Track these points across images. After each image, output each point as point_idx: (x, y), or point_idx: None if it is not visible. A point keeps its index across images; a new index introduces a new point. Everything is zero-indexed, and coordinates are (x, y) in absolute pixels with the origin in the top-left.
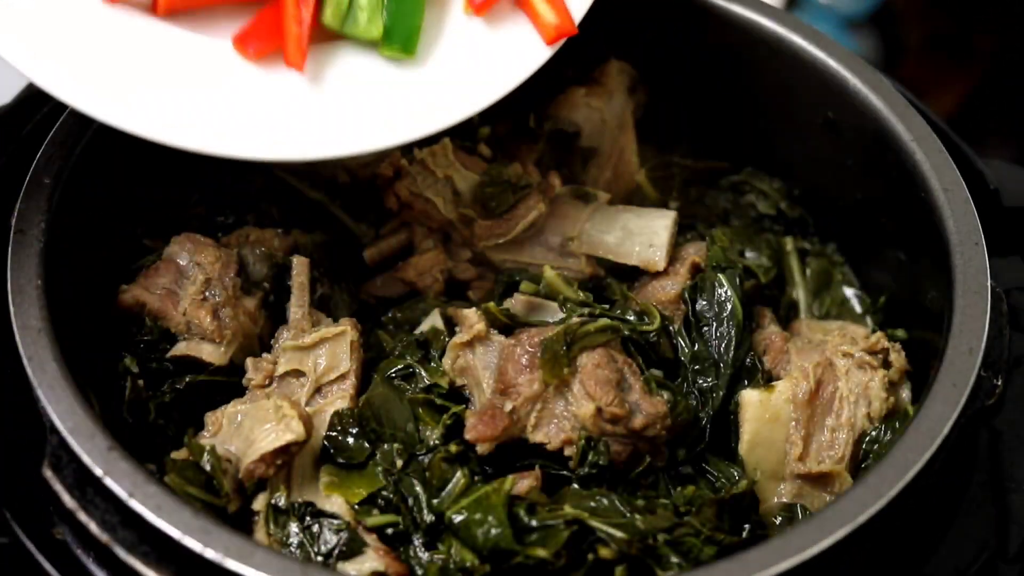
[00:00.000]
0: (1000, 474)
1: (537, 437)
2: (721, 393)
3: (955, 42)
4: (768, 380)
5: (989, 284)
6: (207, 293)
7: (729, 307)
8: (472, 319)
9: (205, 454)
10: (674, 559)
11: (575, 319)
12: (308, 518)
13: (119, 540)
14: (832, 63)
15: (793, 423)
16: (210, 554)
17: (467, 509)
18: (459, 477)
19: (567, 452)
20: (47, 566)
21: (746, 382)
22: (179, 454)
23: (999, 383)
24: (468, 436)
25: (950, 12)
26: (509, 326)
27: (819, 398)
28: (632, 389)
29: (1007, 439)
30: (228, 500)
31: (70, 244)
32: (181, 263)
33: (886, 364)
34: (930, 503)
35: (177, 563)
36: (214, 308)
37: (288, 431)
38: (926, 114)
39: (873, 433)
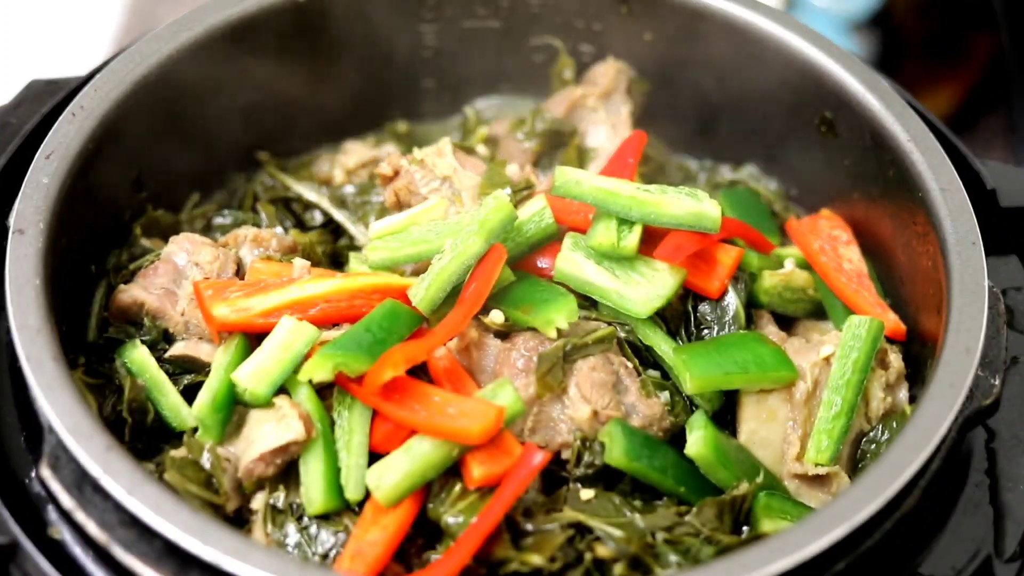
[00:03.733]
0: (997, 473)
1: (534, 441)
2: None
3: (953, 43)
4: None
5: (986, 284)
6: None
7: (732, 311)
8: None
9: (204, 452)
10: (673, 558)
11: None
12: (306, 518)
13: (117, 539)
14: (830, 63)
15: (791, 423)
16: (208, 554)
17: (463, 512)
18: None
19: (564, 455)
20: (45, 566)
21: None
22: (178, 452)
23: (996, 383)
24: None
25: (948, 13)
26: (504, 331)
27: (816, 398)
28: (629, 391)
29: (1004, 438)
30: (227, 499)
31: (68, 244)
32: (179, 263)
33: (883, 364)
34: (927, 502)
35: (175, 562)
36: None
37: (288, 431)
38: (923, 114)
39: (871, 433)
